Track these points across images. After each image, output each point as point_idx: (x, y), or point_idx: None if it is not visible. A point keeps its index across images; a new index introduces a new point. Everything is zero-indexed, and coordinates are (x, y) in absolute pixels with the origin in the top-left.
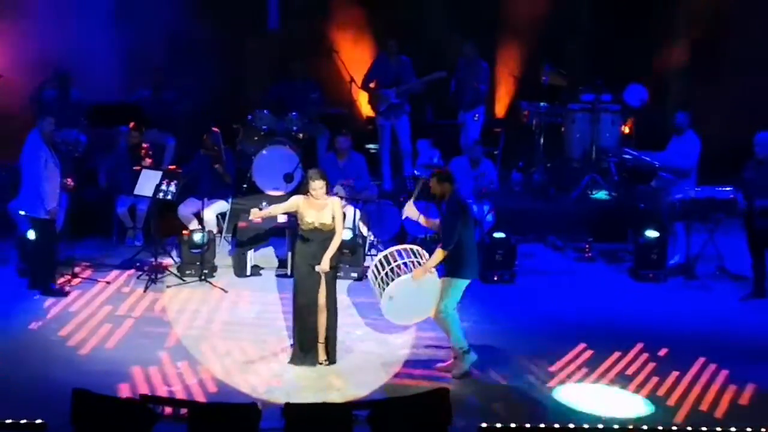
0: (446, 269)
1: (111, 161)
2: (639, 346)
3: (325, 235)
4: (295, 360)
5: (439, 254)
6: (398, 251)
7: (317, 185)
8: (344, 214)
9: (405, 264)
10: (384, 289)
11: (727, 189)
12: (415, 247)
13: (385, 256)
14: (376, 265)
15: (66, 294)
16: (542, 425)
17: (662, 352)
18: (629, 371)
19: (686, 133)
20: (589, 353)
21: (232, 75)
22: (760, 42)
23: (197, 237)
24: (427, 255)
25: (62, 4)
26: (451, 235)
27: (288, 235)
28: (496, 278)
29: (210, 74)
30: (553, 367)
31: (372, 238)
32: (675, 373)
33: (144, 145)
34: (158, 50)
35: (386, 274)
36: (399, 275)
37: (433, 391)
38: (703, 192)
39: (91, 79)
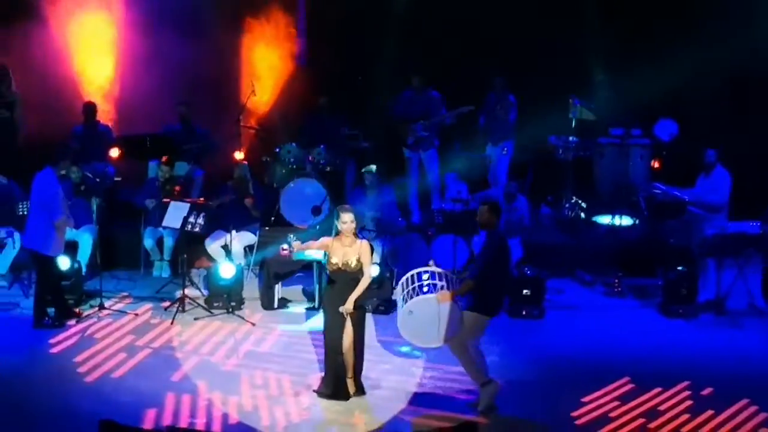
0: (472, 303)
1: (142, 194)
2: (672, 383)
3: (350, 276)
4: (324, 394)
5: (468, 284)
6: (432, 272)
7: (347, 218)
8: (372, 255)
9: (434, 285)
10: (406, 302)
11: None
12: (449, 273)
13: (418, 273)
14: (406, 278)
15: (61, 327)
16: None
17: (682, 386)
18: (659, 408)
19: (715, 170)
20: (619, 390)
21: (261, 108)
22: None
23: (225, 269)
24: (455, 281)
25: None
26: (485, 267)
27: (315, 268)
28: (524, 313)
29: (239, 107)
30: (583, 404)
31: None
32: (710, 412)
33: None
34: (188, 84)
35: (413, 289)
36: (425, 293)
37: (460, 425)
38: (733, 227)
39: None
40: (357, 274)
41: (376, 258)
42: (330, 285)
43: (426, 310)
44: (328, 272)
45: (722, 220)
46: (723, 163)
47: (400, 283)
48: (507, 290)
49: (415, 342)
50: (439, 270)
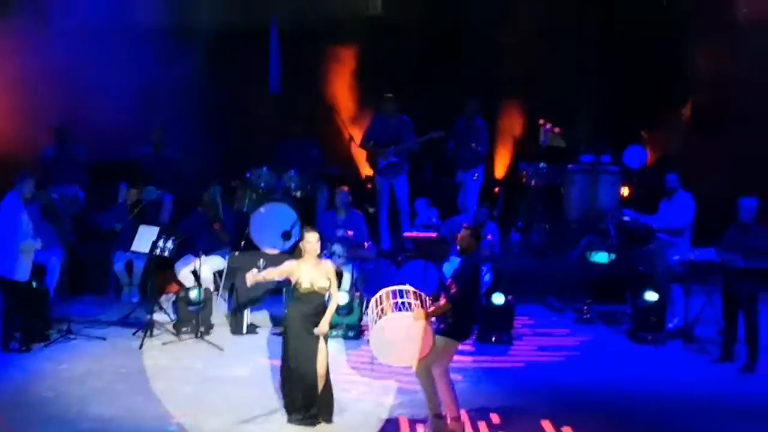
0: (444, 329)
1: (110, 218)
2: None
3: (321, 298)
4: (293, 420)
5: (444, 306)
6: (401, 291)
7: (311, 237)
8: (339, 275)
9: (406, 303)
10: (379, 319)
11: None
12: (417, 291)
13: (389, 292)
14: (379, 296)
15: (28, 351)
16: None
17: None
18: None
19: (677, 194)
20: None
21: (232, 134)
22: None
23: (194, 294)
24: (429, 301)
25: (65, 60)
26: (463, 291)
27: (285, 293)
28: (494, 339)
29: (210, 133)
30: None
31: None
32: None
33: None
34: (160, 109)
35: (385, 308)
36: (395, 311)
37: None
38: (701, 254)
39: (92, 136)
40: (326, 295)
41: (346, 284)
42: (299, 306)
43: (399, 328)
44: (295, 295)
45: (687, 246)
46: (685, 187)
47: (372, 299)
48: (478, 316)
49: (386, 360)
50: (411, 288)
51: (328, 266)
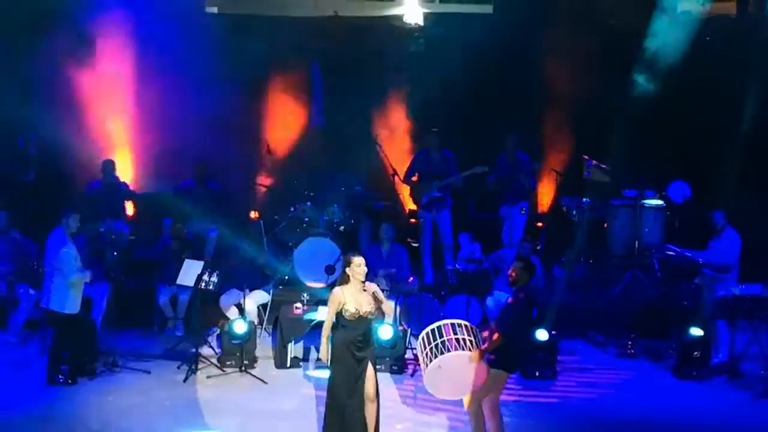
0: (494, 360)
1: (159, 252)
2: None
3: (367, 323)
4: None
5: (499, 340)
6: (453, 325)
7: (358, 261)
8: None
9: (460, 339)
10: (435, 357)
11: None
12: (469, 325)
13: (440, 327)
14: (430, 333)
15: (74, 384)
16: None
17: None
18: None
19: (725, 232)
20: None
21: (277, 167)
22: None
23: (238, 328)
24: (478, 334)
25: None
26: (516, 324)
27: None
28: (537, 374)
29: (255, 166)
30: None
31: (413, 332)
32: None
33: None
34: (204, 143)
35: (440, 344)
36: (451, 348)
37: None
38: (747, 289)
39: (137, 171)
40: (372, 321)
41: (389, 318)
42: (346, 332)
43: (455, 366)
44: (341, 322)
45: (733, 282)
46: (732, 225)
47: (421, 336)
48: (528, 349)
49: (439, 395)
50: (460, 322)
51: (372, 287)
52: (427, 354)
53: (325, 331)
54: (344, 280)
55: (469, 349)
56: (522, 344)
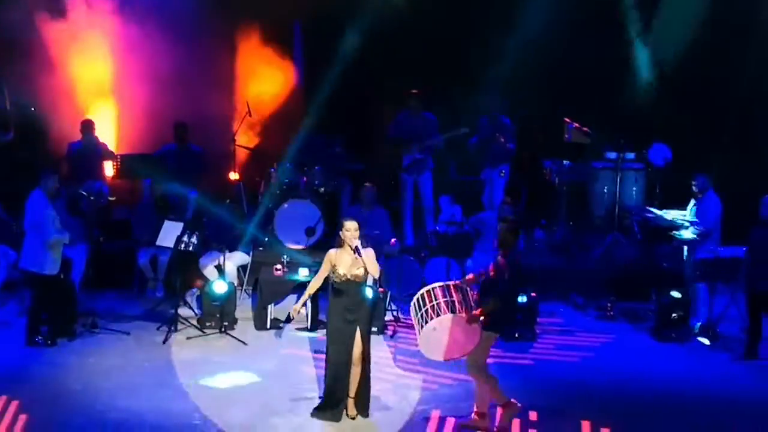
0: (487, 322)
1: (138, 213)
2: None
3: (358, 286)
4: (319, 414)
5: (494, 303)
6: (446, 287)
7: (350, 226)
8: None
9: (455, 302)
10: (430, 319)
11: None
12: (462, 285)
13: (433, 289)
14: (424, 294)
15: (53, 345)
16: None
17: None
18: None
19: (706, 195)
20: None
21: (255, 129)
22: None
23: (218, 288)
24: (468, 294)
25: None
26: (510, 287)
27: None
28: (517, 336)
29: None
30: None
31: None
32: None
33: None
34: (185, 105)
35: (435, 305)
36: (446, 311)
37: None
38: (726, 252)
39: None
40: (363, 284)
41: (369, 280)
42: (337, 297)
43: (450, 327)
44: (333, 284)
45: (713, 245)
46: (714, 188)
47: (415, 298)
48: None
49: (433, 357)
50: (454, 283)
51: (368, 252)
52: (422, 315)
53: (310, 289)
54: (339, 243)
55: (464, 311)
56: (511, 306)
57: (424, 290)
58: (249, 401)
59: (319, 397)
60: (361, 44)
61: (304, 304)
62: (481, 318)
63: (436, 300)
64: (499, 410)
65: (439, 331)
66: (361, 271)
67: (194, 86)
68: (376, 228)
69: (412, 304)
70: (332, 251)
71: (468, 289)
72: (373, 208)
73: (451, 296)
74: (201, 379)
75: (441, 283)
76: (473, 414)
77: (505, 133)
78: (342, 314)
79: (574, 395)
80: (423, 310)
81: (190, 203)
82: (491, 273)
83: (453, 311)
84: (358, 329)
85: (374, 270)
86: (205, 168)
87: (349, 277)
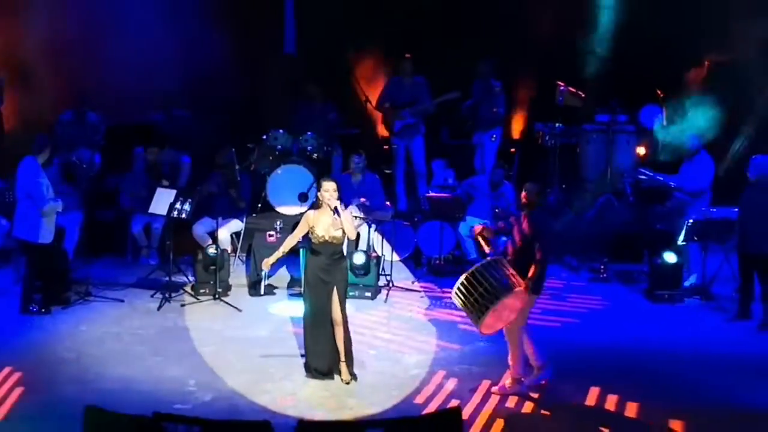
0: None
1: (128, 181)
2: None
3: (335, 248)
4: (308, 373)
5: (539, 266)
6: (489, 268)
7: (329, 186)
8: (355, 220)
9: (509, 275)
10: (490, 302)
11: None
12: (498, 259)
13: (481, 271)
14: (476, 279)
15: (48, 313)
16: None
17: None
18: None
19: (698, 155)
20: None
21: (248, 95)
22: None
23: (212, 255)
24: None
25: (76, 26)
26: (548, 245)
27: (302, 254)
28: None
29: (226, 94)
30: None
31: (386, 257)
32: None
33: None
34: (173, 70)
35: (488, 287)
36: (502, 288)
37: (446, 410)
38: (718, 213)
39: (107, 101)
40: (341, 246)
41: (362, 244)
42: (314, 257)
43: (508, 303)
44: (311, 247)
45: (705, 206)
46: (707, 148)
47: (460, 283)
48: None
49: (489, 332)
50: (491, 261)
51: (345, 215)
52: (476, 299)
53: (286, 246)
54: (318, 204)
55: (516, 284)
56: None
57: (471, 272)
58: (243, 367)
59: (302, 356)
60: (354, 8)
61: (278, 259)
62: (529, 287)
63: (489, 280)
64: (535, 371)
65: (499, 309)
66: (339, 233)
67: (185, 54)
68: (368, 195)
69: (458, 288)
70: (311, 212)
71: (503, 260)
72: (364, 176)
73: (499, 271)
74: (195, 345)
75: (486, 262)
76: (507, 380)
77: (495, 97)
78: (316, 274)
79: (573, 358)
80: (478, 292)
81: (184, 168)
82: (517, 238)
83: (510, 287)
84: (334, 290)
85: (351, 232)
86: (195, 134)
87: (327, 238)
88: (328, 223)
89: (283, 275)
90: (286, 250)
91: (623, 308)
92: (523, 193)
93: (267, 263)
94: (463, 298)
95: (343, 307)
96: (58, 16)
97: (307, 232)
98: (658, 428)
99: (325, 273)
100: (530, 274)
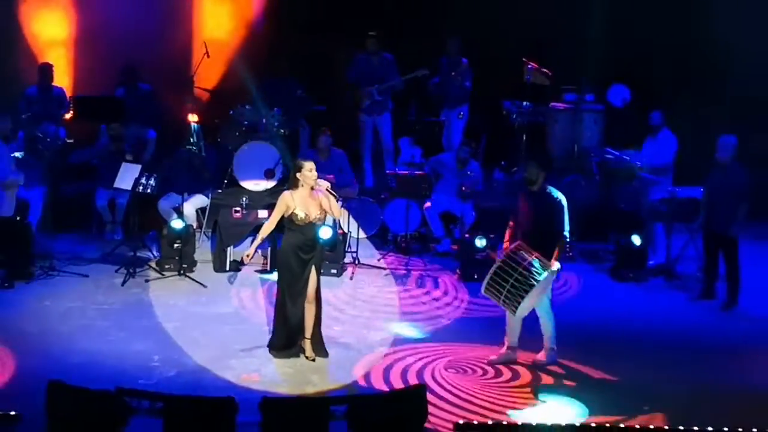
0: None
1: (92, 155)
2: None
3: (315, 228)
4: (275, 351)
5: (562, 243)
6: (515, 256)
7: (309, 165)
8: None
9: (529, 263)
10: (525, 291)
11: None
12: (519, 245)
13: (511, 261)
14: (506, 270)
15: (11, 287)
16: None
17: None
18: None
19: (661, 132)
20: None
21: (216, 70)
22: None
23: (177, 231)
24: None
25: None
26: (567, 220)
27: None
28: (476, 276)
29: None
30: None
31: (353, 234)
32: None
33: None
34: (141, 44)
35: (518, 277)
36: (529, 276)
37: (410, 388)
38: (683, 192)
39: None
40: (321, 224)
41: (329, 221)
42: (294, 236)
43: (543, 284)
44: (289, 227)
45: (670, 185)
46: (670, 125)
47: (492, 277)
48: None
49: (522, 315)
50: (518, 245)
51: (326, 185)
52: (509, 290)
53: (263, 232)
54: (294, 184)
55: (545, 264)
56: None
57: (502, 261)
58: (207, 343)
59: (270, 334)
60: None
61: (257, 249)
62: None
63: (517, 269)
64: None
65: (533, 292)
66: (322, 213)
67: (153, 27)
68: (335, 172)
69: (489, 283)
70: (287, 193)
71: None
72: (330, 154)
73: (525, 258)
74: (160, 321)
75: (512, 251)
76: (504, 347)
77: (462, 73)
78: (295, 252)
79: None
80: (509, 284)
81: (150, 143)
82: (526, 217)
83: (541, 269)
84: (313, 268)
85: (338, 212)
86: (159, 108)
87: (311, 219)
88: (310, 203)
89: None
90: (265, 235)
91: (588, 287)
92: (527, 173)
93: (248, 255)
94: (496, 292)
95: (319, 285)
96: None
97: (287, 215)
98: None
99: (304, 251)
100: (555, 252)
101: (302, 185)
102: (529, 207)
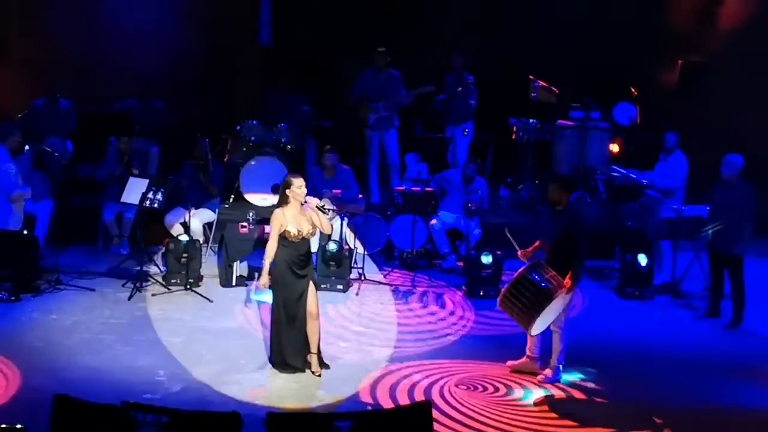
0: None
1: (101, 170)
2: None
3: (308, 243)
4: (278, 368)
5: (578, 267)
6: (533, 273)
7: (297, 182)
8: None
9: (545, 281)
10: (537, 310)
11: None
12: (538, 263)
13: (525, 280)
14: (519, 288)
15: (18, 301)
16: None
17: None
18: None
19: (674, 154)
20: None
21: (222, 86)
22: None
23: (183, 245)
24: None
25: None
26: (586, 244)
27: None
28: (482, 293)
29: (200, 84)
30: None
31: (359, 250)
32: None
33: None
34: (148, 60)
35: (530, 296)
36: (546, 293)
37: (416, 404)
38: (690, 211)
39: (80, 90)
40: (310, 240)
41: (335, 236)
42: (287, 252)
43: (553, 305)
44: (282, 243)
45: (678, 204)
46: (683, 148)
47: (509, 292)
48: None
49: (538, 332)
50: (534, 265)
51: (315, 202)
52: (521, 308)
53: (269, 256)
54: (284, 200)
55: (557, 287)
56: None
57: (517, 279)
58: (213, 358)
59: (268, 356)
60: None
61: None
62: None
63: (535, 285)
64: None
65: (545, 312)
66: (313, 228)
67: (159, 44)
68: (341, 187)
69: (506, 297)
70: (278, 211)
71: (542, 262)
72: (336, 171)
73: (541, 276)
74: (166, 335)
75: (528, 268)
76: (525, 357)
77: (467, 90)
78: (290, 268)
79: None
80: (521, 302)
81: (153, 158)
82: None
83: (552, 291)
84: (310, 282)
85: (327, 228)
86: (169, 124)
87: (304, 235)
88: (301, 220)
89: (254, 266)
90: (272, 256)
91: (594, 305)
92: (550, 192)
93: (264, 284)
94: (510, 305)
95: (317, 300)
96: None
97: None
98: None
99: (301, 267)
100: (569, 275)
101: (293, 201)
102: (552, 226)
